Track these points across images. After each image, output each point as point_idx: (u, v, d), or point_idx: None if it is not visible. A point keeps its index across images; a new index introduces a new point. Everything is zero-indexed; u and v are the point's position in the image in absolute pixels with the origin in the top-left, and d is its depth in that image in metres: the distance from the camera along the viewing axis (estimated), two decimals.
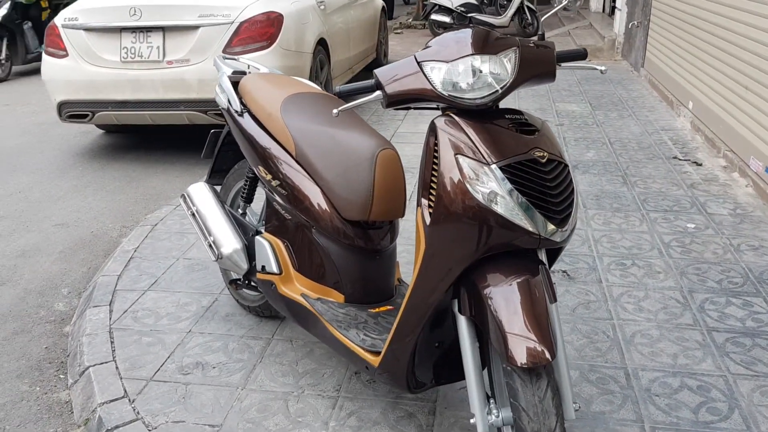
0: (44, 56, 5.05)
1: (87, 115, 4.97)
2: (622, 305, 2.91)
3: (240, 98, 2.59)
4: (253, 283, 2.60)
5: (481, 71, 1.76)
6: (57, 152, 5.50)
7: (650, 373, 2.44)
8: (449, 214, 1.73)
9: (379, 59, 8.14)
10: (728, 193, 4.15)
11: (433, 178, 1.79)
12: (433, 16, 11.35)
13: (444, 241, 1.76)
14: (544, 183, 1.73)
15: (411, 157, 4.68)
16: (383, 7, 8.24)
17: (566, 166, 1.81)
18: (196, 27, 4.72)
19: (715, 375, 2.44)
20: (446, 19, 11.24)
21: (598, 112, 6.16)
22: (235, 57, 2.99)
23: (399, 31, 12.55)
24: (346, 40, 6.41)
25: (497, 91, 1.77)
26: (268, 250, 2.36)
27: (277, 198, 2.35)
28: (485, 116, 1.79)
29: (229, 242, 2.52)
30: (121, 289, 3.10)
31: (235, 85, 2.66)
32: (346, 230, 2.21)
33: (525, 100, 6.66)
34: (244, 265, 2.51)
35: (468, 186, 1.70)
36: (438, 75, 1.79)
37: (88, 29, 4.86)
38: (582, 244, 3.48)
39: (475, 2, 11.12)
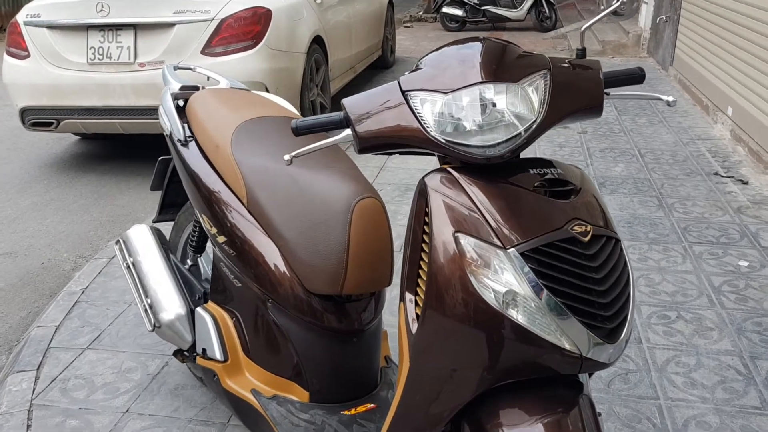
0: (5, 57, 4.52)
1: (51, 123, 4.44)
2: (670, 377, 2.33)
3: (186, 122, 2.04)
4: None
5: (494, 105, 1.20)
6: (24, 162, 4.98)
7: None
8: (443, 321, 1.17)
9: (385, 56, 7.56)
10: None
11: (422, 264, 1.23)
12: (445, 9, 10.73)
13: (436, 360, 1.20)
14: (588, 273, 1.16)
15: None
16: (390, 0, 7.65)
17: (618, 241, 1.24)
18: (171, 24, 4.16)
19: None
20: (459, 12, 10.61)
21: (625, 117, 5.56)
22: (191, 67, 2.43)
23: (409, 24, 11.94)
24: (347, 36, 5.84)
25: (519, 135, 1.20)
26: (211, 327, 1.81)
27: (224, 258, 1.79)
28: (500, 172, 1.22)
29: (171, 306, 1.97)
30: (56, 346, 2.56)
31: (185, 104, 2.11)
32: (311, 305, 1.65)
33: None
34: (189, 337, 1.95)
35: (473, 280, 1.14)
36: (431, 110, 1.23)
37: (51, 27, 4.32)
38: None
39: None
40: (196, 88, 2.16)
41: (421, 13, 12.68)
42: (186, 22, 4.14)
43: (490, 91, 1.20)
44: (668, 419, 2.13)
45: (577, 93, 1.26)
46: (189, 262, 2.21)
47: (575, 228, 1.17)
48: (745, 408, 2.18)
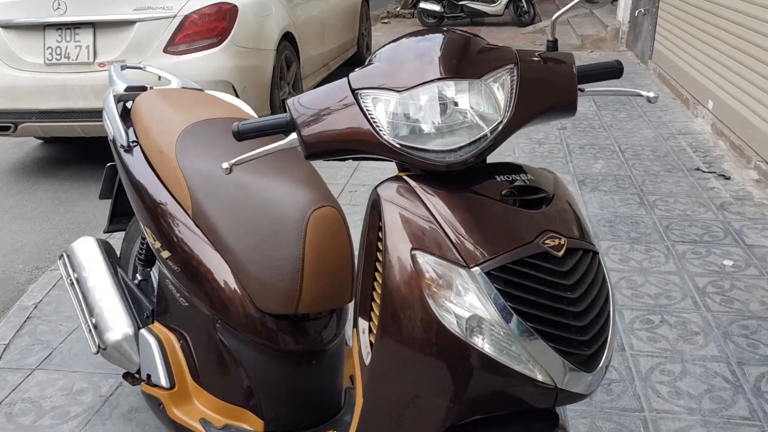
0: None
1: (9, 127, 4.23)
2: (654, 387, 2.21)
3: (131, 126, 1.88)
4: None
5: (456, 105, 1.06)
6: None
7: None
8: (399, 349, 1.03)
9: (361, 53, 7.41)
10: (767, 216, 3.45)
11: (376, 285, 1.09)
12: (422, 5, 10.59)
13: (393, 387, 1.06)
14: (562, 293, 1.03)
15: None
16: None
17: (595, 254, 1.11)
18: (131, 22, 3.98)
19: None
20: (436, 7, 10.48)
21: (605, 112, 5.45)
22: (141, 66, 2.27)
23: (386, 20, 11.79)
24: (320, 33, 5.68)
25: (484, 137, 1.06)
26: (155, 351, 1.65)
27: (170, 275, 1.64)
28: (463, 179, 1.09)
29: (118, 326, 1.81)
30: (4, 367, 2.39)
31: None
32: (265, 326, 1.51)
33: None
34: (137, 359, 1.80)
35: (432, 303, 1.00)
36: (384, 111, 1.09)
37: (6, 27, 4.12)
38: None
39: None
40: (144, 89, 2.00)
41: (398, 8, 12.53)
42: (147, 20, 3.96)
43: (450, 89, 1.06)
44: None
45: (548, 89, 1.13)
46: (139, 276, 2.05)
47: (547, 242, 1.04)
48: (733, 419, 2.07)
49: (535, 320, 1.00)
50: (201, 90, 2.10)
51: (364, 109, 1.09)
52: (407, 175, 1.09)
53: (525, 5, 10.19)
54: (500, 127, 1.06)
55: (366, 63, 1.16)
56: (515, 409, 1.04)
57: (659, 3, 6.60)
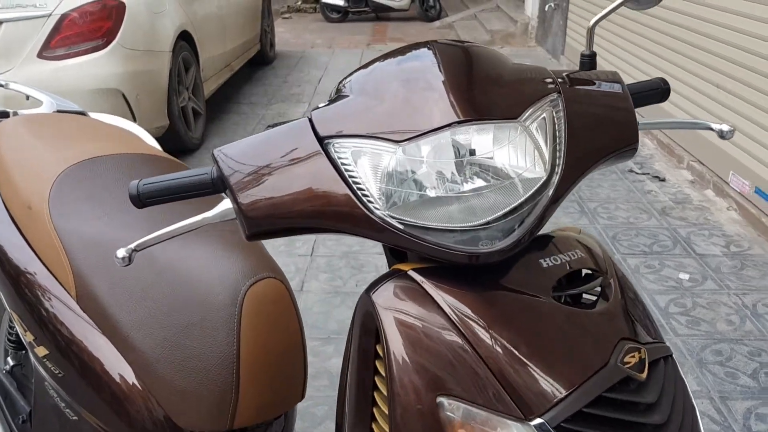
0: None
1: None
2: None
3: None
4: None
5: (472, 153, 0.71)
6: None
7: None
8: None
9: (265, 51, 6.91)
10: (710, 220, 3.31)
11: None
12: None
13: None
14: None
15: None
16: None
17: (669, 358, 0.78)
18: None
19: None
20: (340, 1, 10.07)
21: None
22: (2, 83, 1.77)
23: (287, 15, 11.28)
24: (220, 31, 5.17)
25: (526, 205, 0.72)
26: None
27: (49, 379, 1.19)
28: (493, 270, 0.73)
29: None
30: None
31: None
32: None
33: None
34: None
35: None
36: (372, 170, 0.71)
37: None
38: None
39: None
40: (5, 115, 1.52)
41: (299, 2, 12.04)
42: (16, 19, 3.36)
43: (467, 134, 0.70)
44: None
45: (603, 127, 0.79)
46: (11, 361, 1.57)
47: (627, 359, 0.69)
48: None
49: None
50: (83, 113, 1.63)
51: (341, 166, 0.71)
52: (414, 270, 0.72)
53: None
54: (551, 189, 0.71)
55: (334, 96, 0.78)
56: None
57: None
